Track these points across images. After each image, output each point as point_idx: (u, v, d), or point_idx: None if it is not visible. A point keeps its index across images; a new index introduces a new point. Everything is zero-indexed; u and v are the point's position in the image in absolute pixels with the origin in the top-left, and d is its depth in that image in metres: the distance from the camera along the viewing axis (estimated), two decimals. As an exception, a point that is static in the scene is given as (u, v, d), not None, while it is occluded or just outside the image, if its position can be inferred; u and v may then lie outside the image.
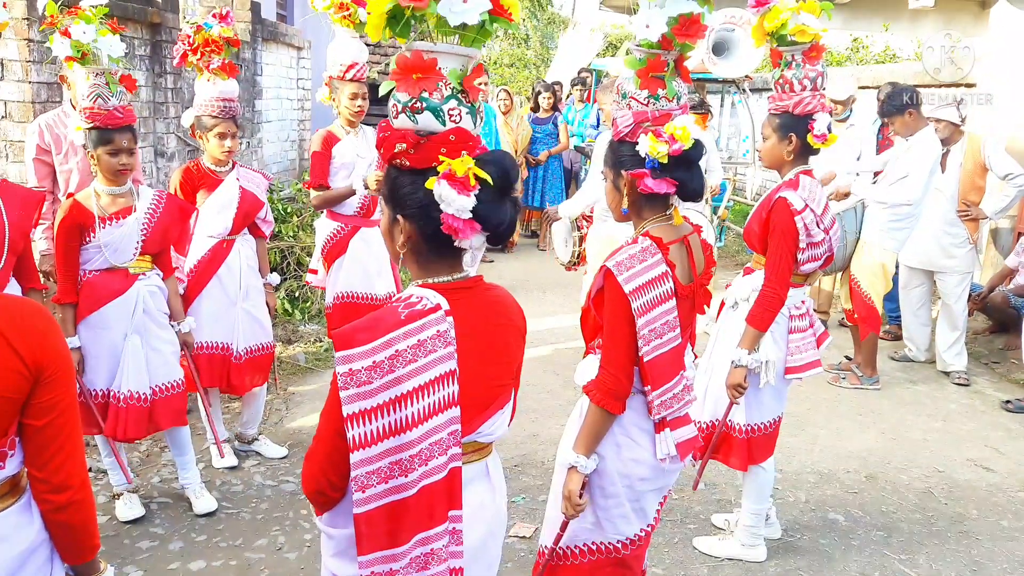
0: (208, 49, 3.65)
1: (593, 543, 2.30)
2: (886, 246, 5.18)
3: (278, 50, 9.07)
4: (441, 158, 1.55)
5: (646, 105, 2.17)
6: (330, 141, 4.23)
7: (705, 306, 2.37)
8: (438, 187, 1.54)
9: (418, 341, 1.55)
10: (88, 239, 3.19)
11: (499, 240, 1.64)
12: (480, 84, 1.68)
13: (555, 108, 9.92)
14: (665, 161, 2.11)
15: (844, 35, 11.98)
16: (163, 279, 3.42)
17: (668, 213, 2.26)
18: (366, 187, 4.02)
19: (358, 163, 4.24)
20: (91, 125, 3.09)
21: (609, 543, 2.29)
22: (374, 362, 1.52)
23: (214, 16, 3.68)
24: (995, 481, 4.15)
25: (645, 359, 2.14)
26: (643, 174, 2.14)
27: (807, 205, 2.91)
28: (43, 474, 1.51)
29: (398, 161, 1.60)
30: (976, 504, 3.90)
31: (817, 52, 2.90)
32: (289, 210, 7.14)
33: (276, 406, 4.70)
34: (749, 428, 3.11)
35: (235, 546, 3.33)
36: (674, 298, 2.17)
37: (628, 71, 2.20)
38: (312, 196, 4.28)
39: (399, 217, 1.63)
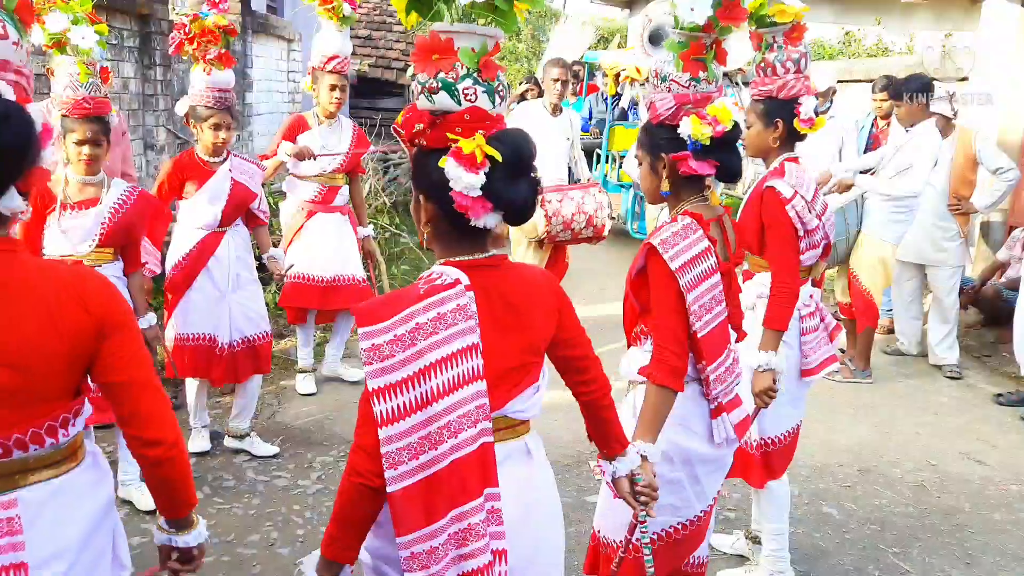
0: (205, 38, 3.60)
1: (658, 531, 2.28)
2: (886, 238, 5.18)
3: (268, 42, 9.01)
4: (453, 137, 1.56)
5: (687, 88, 2.18)
6: (298, 127, 4.41)
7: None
8: (447, 165, 1.55)
9: (438, 314, 1.57)
10: (47, 223, 3.15)
11: (517, 220, 1.64)
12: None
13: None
14: (708, 143, 2.12)
15: (836, 29, 11.98)
16: (127, 272, 3.34)
17: (705, 194, 2.28)
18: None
19: (321, 153, 4.40)
20: (61, 112, 3.07)
21: (670, 528, 2.29)
22: (395, 336, 1.55)
23: (209, 4, 3.63)
24: (987, 474, 4.16)
25: (699, 335, 2.16)
26: (686, 156, 2.16)
27: (796, 192, 2.81)
28: (134, 430, 1.57)
29: (417, 141, 1.63)
30: (968, 497, 3.91)
31: (799, 32, 2.81)
32: (280, 204, 7.09)
33: (268, 400, 4.68)
34: (764, 442, 2.95)
35: (227, 542, 3.30)
36: (718, 272, 2.20)
37: (667, 54, 2.21)
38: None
39: (421, 198, 1.68)
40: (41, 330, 1.44)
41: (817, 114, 2.86)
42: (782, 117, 2.86)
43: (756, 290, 2.93)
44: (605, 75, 9.16)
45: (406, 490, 1.56)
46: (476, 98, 1.59)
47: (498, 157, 1.55)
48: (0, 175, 1.35)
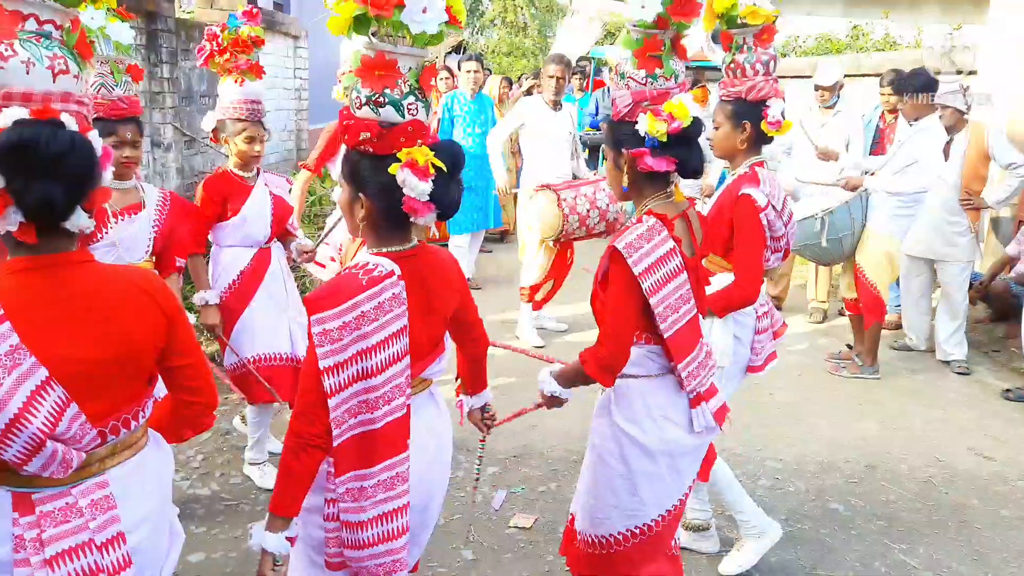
0: (236, 49, 3.49)
1: (635, 527, 2.32)
2: (892, 232, 5.16)
3: (275, 39, 9.02)
4: (404, 148, 1.79)
5: (644, 84, 2.20)
6: (339, 139, 4.23)
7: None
8: (401, 173, 1.78)
9: (379, 303, 1.82)
10: (98, 235, 3.01)
11: (447, 216, 1.90)
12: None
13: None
14: (665, 139, 2.13)
15: (843, 22, 11.92)
16: (163, 276, 3.25)
17: (669, 191, 2.29)
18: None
19: None
20: (95, 116, 2.95)
21: (648, 523, 2.32)
22: (344, 322, 1.79)
23: (242, 15, 3.56)
24: (995, 470, 4.14)
25: (666, 335, 2.20)
26: (643, 153, 2.17)
27: (769, 201, 2.82)
28: (200, 398, 1.86)
29: (362, 147, 1.83)
30: (976, 493, 3.90)
31: (769, 35, 2.81)
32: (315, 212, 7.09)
33: (275, 397, 4.68)
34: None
35: (234, 538, 3.32)
36: (685, 272, 2.21)
37: (626, 52, 2.23)
38: (302, 175, 4.22)
39: (360, 195, 1.88)
40: (127, 327, 1.65)
41: (784, 115, 2.83)
42: (750, 119, 2.86)
43: (718, 288, 2.93)
44: (612, 70, 9.15)
45: (345, 442, 1.86)
46: (417, 112, 1.83)
47: (444, 167, 1.81)
48: (69, 199, 1.51)
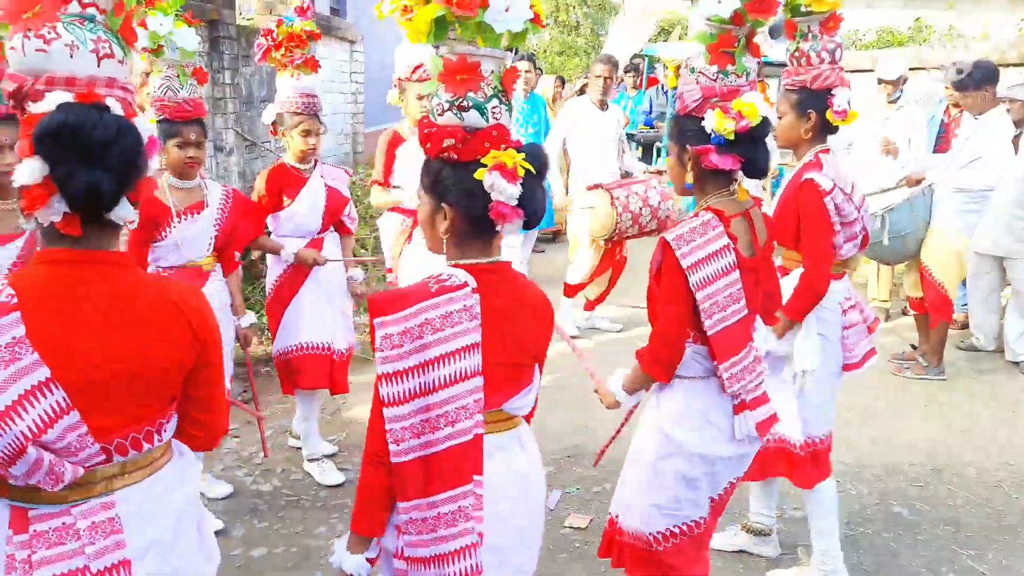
0: (291, 44, 3.59)
1: (675, 527, 2.31)
2: (959, 229, 5.01)
3: (331, 44, 9.17)
4: (492, 152, 1.71)
5: (714, 80, 2.17)
6: (395, 142, 4.29)
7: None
8: (489, 177, 1.70)
9: (446, 312, 1.71)
10: (162, 234, 3.15)
11: (532, 224, 1.80)
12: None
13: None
14: (731, 137, 2.10)
15: (906, 15, 11.61)
16: (226, 273, 3.42)
17: (732, 189, 2.25)
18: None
19: (418, 163, 4.28)
20: (160, 117, 3.09)
21: (688, 523, 2.31)
22: (405, 328, 1.70)
23: (295, 11, 3.67)
24: (1069, 475, 4.00)
25: (709, 332, 2.17)
26: (708, 149, 2.15)
27: (835, 184, 2.74)
28: (200, 431, 1.71)
29: (445, 155, 1.76)
30: (1049, 498, 3.77)
31: (835, 22, 2.75)
32: (378, 221, 7.19)
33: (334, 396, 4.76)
34: (810, 441, 2.88)
35: (295, 533, 3.39)
36: (737, 270, 2.18)
37: (698, 46, 2.20)
38: (373, 193, 4.32)
39: (443, 205, 1.79)
40: (151, 342, 1.52)
41: (850, 104, 2.76)
42: (815, 108, 2.80)
43: (793, 284, 2.86)
44: (666, 68, 9.07)
45: (406, 464, 1.73)
46: (501, 115, 1.77)
47: (532, 170, 1.73)
48: (115, 187, 1.41)
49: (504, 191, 1.70)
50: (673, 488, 2.28)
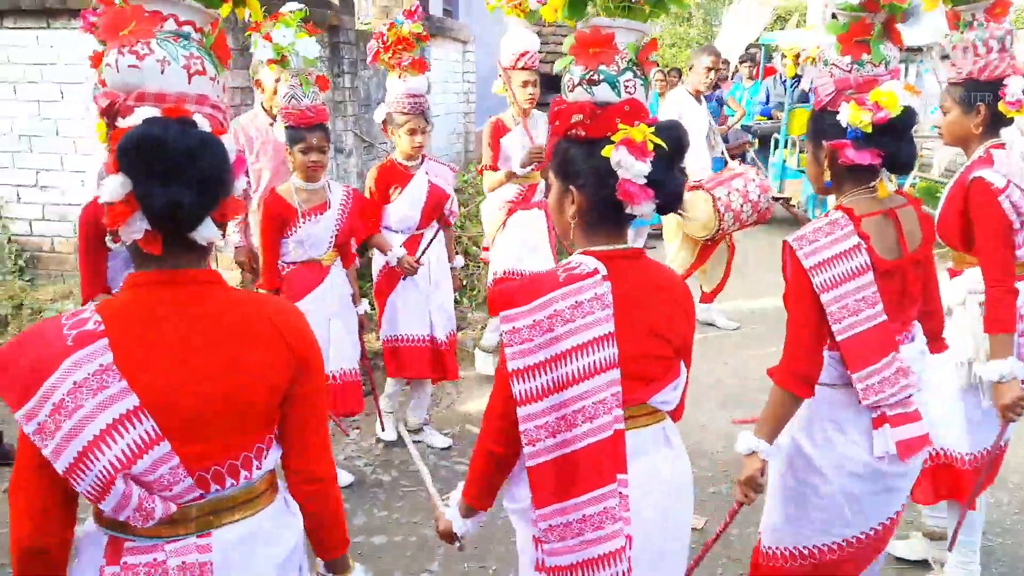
0: (400, 46, 3.75)
1: (803, 547, 2.19)
2: None
3: (445, 45, 9.34)
4: (620, 126, 1.62)
5: (848, 71, 2.06)
6: (499, 131, 4.47)
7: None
8: (616, 153, 1.60)
9: (576, 302, 1.62)
10: (289, 232, 3.39)
11: (667, 208, 1.68)
12: (652, 59, 1.74)
13: (714, 86, 9.58)
14: (869, 130, 1.99)
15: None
16: (345, 267, 3.63)
17: (872, 185, 2.10)
18: (522, 165, 4.26)
19: (523, 153, 4.44)
20: (286, 124, 3.28)
21: (819, 546, 2.17)
22: (534, 321, 1.61)
23: (404, 14, 3.81)
24: None
25: (839, 338, 2.03)
26: (843, 144, 2.03)
27: (1009, 181, 2.55)
28: (300, 464, 1.58)
29: (573, 132, 1.68)
30: None
31: (1003, 7, 2.56)
32: (480, 205, 7.35)
33: (447, 390, 4.87)
34: (979, 455, 2.70)
35: (413, 523, 3.49)
36: (870, 272, 2.03)
37: (829, 37, 2.10)
38: (485, 177, 4.54)
39: (571, 188, 1.71)
40: (243, 362, 1.45)
41: None
42: (985, 100, 2.61)
43: (967, 285, 2.69)
44: (784, 56, 8.78)
45: (541, 466, 1.64)
46: (635, 90, 1.68)
47: (664, 146, 1.61)
48: (196, 204, 1.35)
49: (631, 168, 1.59)
50: (800, 503, 2.16)
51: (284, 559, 1.57)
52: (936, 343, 2.34)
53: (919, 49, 7.74)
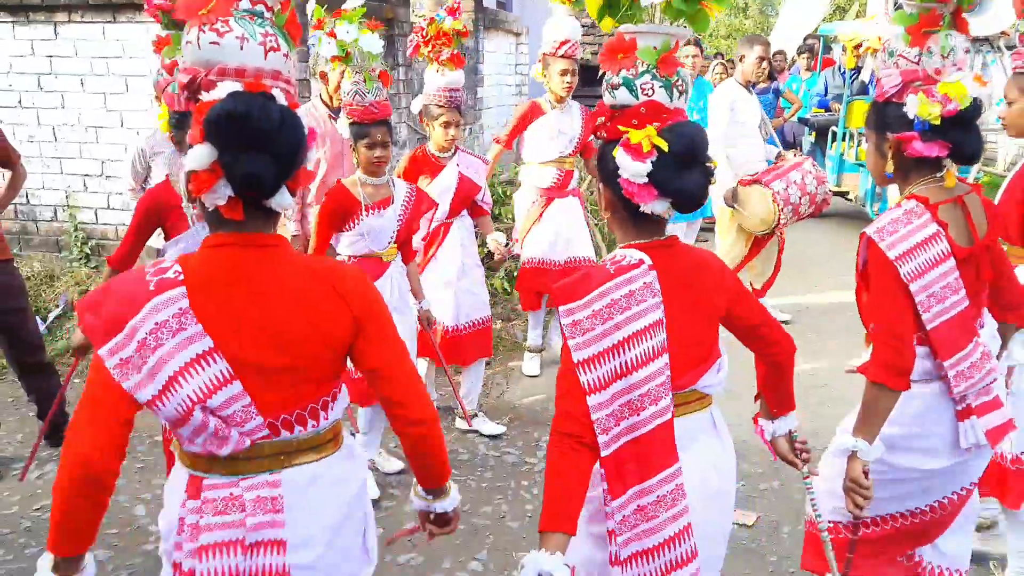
0: (439, 41, 3.83)
1: (885, 514, 2.21)
2: None
3: (498, 37, 9.36)
4: (624, 128, 1.70)
5: (916, 63, 2.03)
6: (531, 114, 4.54)
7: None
8: (616, 155, 1.70)
9: (629, 291, 1.70)
10: (351, 225, 3.39)
11: (686, 208, 1.74)
12: (683, 58, 1.76)
13: (771, 78, 9.39)
14: (937, 122, 1.96)
15: None
16: (405, 262, 3.63)
17: (939, 176, 2.08)
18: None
19: (558, 138, 4.51)
20: (351, 120, 3.31)
21: (901, 512, 2.20)
22: (593, 311, 1.69)
23: (446, 10, 3.86)
24: None
25: (929, 327, 2.02)
26: (911, 137, 2.01)
27: None
28: (397, 411, 1.66)
29: (600, 133, 1.79)
30: None
31: None
32: (508, 193, 7.38)
33: (497, 380, 4.91)
34: (1021, 456, 2.68)
35: (463, 511, 3.51)
36: (952, 258, 2.02)
37: (896, 28, 2.07)
38: (493, 148, 4.67)
39: (602, 186, 1.82)
40: (306, 319, 1.55)
41: None
42: None
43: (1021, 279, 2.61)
44: (843, 47, 8.59)
45: (617, 452, 1.70)
46: (653, 92, 1.74)
47: (664, 147, 1.66)
48: (276, 173, 1.44)
49: (628, 168, 1.67)
50: (881, 482, 2.13)
51: (347, 501, 1.69)
52: (1013, 314, 2.29)
53: (985, 39, 7.49)
